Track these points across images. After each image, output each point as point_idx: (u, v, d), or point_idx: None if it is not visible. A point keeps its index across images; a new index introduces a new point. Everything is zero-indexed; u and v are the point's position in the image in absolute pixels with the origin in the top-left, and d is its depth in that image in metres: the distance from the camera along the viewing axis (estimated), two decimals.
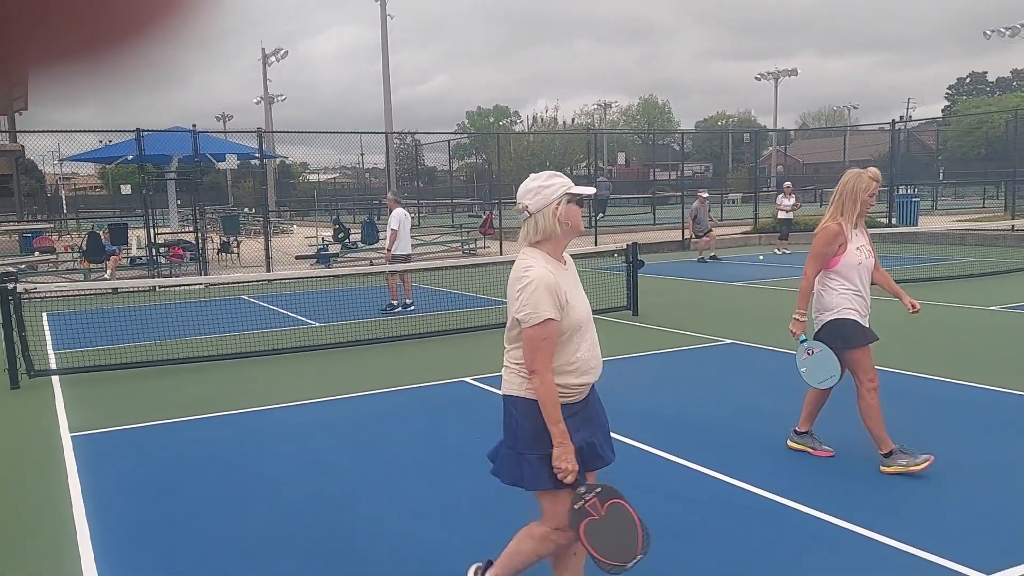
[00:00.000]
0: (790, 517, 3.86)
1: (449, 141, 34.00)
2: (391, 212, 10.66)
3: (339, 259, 17.63)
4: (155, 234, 15.97)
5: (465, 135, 50.53)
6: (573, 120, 32.30)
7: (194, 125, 15.80)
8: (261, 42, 35.44)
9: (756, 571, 3.38)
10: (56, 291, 12.04)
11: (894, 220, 20.48)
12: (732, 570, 3.40)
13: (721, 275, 14.21)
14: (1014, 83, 61.10)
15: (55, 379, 7.32)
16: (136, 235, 17.57)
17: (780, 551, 3.53)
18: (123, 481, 4.70)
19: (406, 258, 10.59)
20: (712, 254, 17.01)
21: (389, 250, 10.57)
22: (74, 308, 11.11)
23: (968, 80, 67.03)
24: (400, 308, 10.74)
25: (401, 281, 10.83)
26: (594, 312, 11.75)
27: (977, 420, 5.39)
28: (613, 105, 71.39)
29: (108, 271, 14.79)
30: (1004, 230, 17.75)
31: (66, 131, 15.11)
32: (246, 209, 30.49)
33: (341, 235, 18.72)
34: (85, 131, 15.79)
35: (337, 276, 13.90)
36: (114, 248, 15.58)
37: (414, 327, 9.25)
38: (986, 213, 24.72)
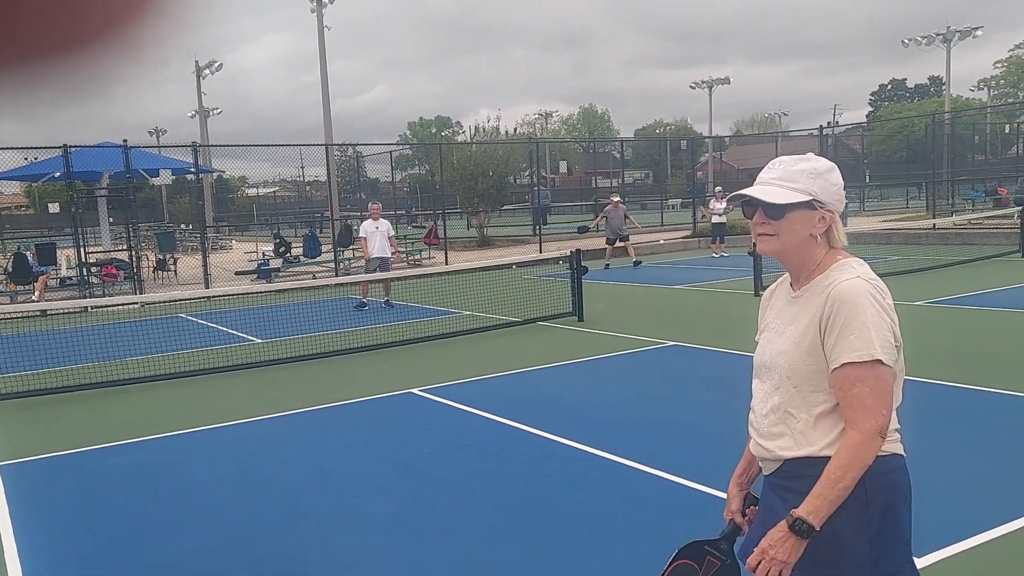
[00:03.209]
0: None
1: (391, 152, 33.79)
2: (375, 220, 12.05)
3: (280, 274, 17.31)
4: (86, 253, 15.39)
5: (407, 146, 50.36)
6: (515, 130, 32.56)
7: (125, 140, 15.32)
8: (194, 54, 34.63)
9: None
10: None
11: None
12: None
13: (663, 279, 14.50)
14: (931, 89, 64.23)
15: None
16: (66, 255, 16.90)
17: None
18: (56, 510, 4.52)
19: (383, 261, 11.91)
20: (638, 260, 16.78)
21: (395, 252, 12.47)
22: (0, 332, 10.61)
23: (889, 87, 70.11)
24: (385, 305, 11.93)
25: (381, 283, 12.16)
26: (539, 319, 11.72)
27: (902, 410, 5.63)
28: (554, 114, 72.24)
29: (36, 292, 14.18)
30: (926, 229, 18.64)
31: None
32: (183, 225, 29.65)
33: (282, 249, 18.40)
34: (7, 148, 15.11)
35: (279, 291, 13.65)
36: (42, 269, 14.97)
37: (359, 340, 9.15)
38: (909, 213, 25.89)
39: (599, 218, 17.36)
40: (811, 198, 1.81)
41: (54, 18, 0.41)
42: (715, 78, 47.14)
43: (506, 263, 15.59)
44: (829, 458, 1.76)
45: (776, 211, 1.82)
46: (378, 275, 11.75)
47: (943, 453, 4.68)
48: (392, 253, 12.16)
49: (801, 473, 1.83)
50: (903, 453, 1.89)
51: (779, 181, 1.85)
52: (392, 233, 12.36)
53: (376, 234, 11.78)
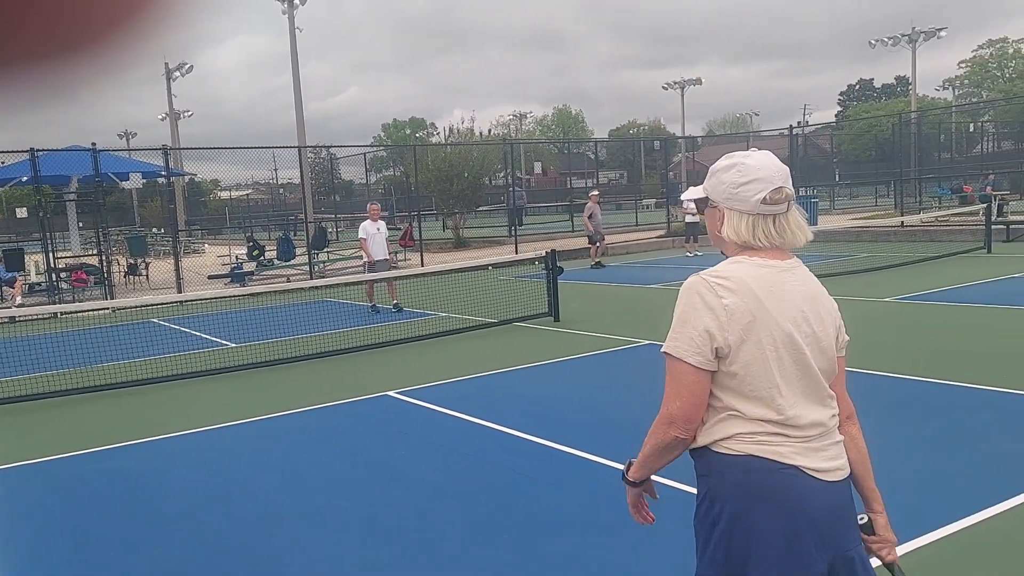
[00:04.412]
0: None
1: (365, 154, 33.67)
2: (375, 221, 11.87)
3: (254, 277, 17.16)
4: (55, 258, 15.14)
5: (381, 148, 50.15)
6: (490, 131, 32.65)
7: (94, 144, 15.09)
8: (164, 56, 34.11)
9: (678, 557, 3.52)
10: None
11: None
12: (654, 559, 3.53)
13: (637, 278, 14.62)
14: (898, 89, 65.42)
15: None
16: (34, 260, 16.61)
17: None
18: (27, 519, 4.45)
19: (382, 263, 11.75)
20: (598, 260, 16.88)
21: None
22: None
23: (857, 87, 71.27)
24: (394, 310, 11.58)
25: (385, 284, 11.92)
26: (516, 320, 11.77)
27: (866, 404, 5.76)
28: (529, 115, 72.48)
29: (17, 296, 13.99)
30: (894, 226, 18.99)
31: None
32: (154, 229, 29.27)
33: (256, 252, 18.24)
34: None
35: (253, 294, 13.54)
36: (12, 274, 14.74)
37: (335, 343, 9.12)
38: (878, 211, 26.35)
39: (587, 221, 16.86)
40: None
41: (20, 22, 0.40)
42: (687, 79, 47.59)
43: (482, 264, 15.62)
44: (702, 448, 1.86)
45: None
46: (380, 275, 11.63)
47: (912, 446, 4.79)
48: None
49: None
50: (773, 458, 1.71)
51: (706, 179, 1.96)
52: (387, 235, 12.29)
53: (377, 235, 11.70)
